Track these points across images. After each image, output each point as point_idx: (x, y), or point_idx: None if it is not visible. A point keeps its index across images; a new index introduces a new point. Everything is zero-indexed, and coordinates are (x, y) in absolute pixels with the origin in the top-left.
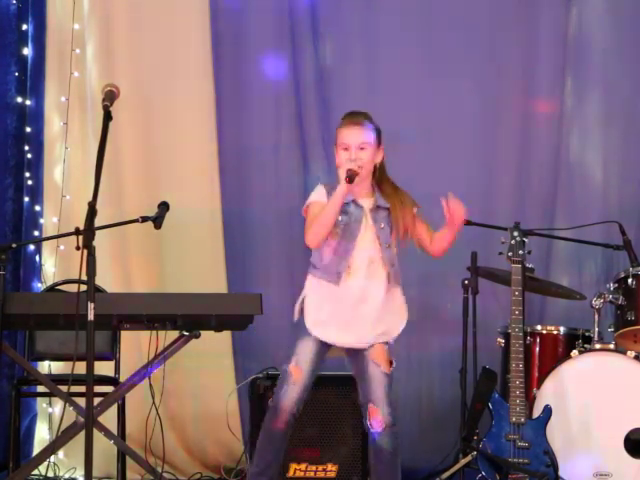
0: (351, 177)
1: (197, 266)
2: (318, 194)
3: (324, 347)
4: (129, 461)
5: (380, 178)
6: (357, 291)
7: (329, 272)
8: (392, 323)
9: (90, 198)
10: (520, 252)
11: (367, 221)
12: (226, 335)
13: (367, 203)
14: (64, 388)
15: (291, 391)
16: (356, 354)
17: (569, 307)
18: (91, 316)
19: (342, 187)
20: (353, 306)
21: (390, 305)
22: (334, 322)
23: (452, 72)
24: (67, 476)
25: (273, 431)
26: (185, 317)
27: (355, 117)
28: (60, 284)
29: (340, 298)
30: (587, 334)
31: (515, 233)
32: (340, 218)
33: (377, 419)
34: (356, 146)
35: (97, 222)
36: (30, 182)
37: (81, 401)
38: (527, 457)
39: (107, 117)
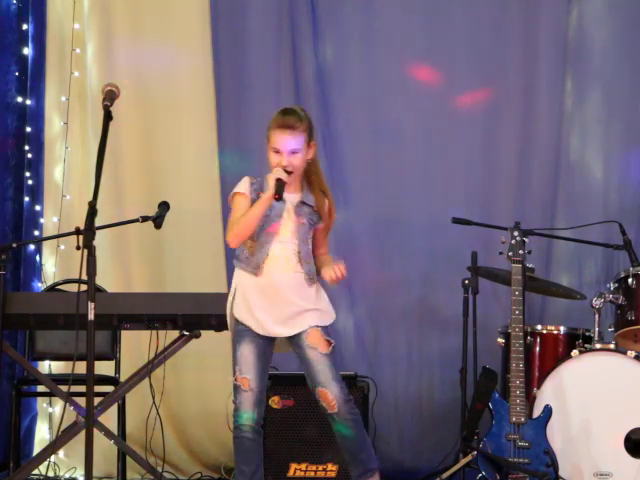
0: (280, 192)
1: (197, 266)
2: (243, 186)
3: (263, 344)
4: (129, 461)
5: (310, 173)
6: (276, 282)
7: (250, 263)
8: (319, 315)
9: (90, 198)
10: (520, 252)
11: (289, 215)
12: (226, 335)
13: (292, 197)
14: (64, 388)
15: (246, 400)
16: (296, 343)
17: (569, 307)
18: (91, 316)
19: (269, 195)
20: (274, 296)
21: (312, 297)
22: (261, 312)
23: (452, 72)
24: (67, 476)
25: (244, 444)
26: (185, 317)
27: (286, 119)
28: (60, 284)
29: (261, 289)
30: (587, 334)
31: (515, 233)
32: None
33: (328, 399)
34: (287, 152)
35: (97, 222)
36: (30, 182)
37: (81, 401)
38: (527, 457)
39: (107, 117)
